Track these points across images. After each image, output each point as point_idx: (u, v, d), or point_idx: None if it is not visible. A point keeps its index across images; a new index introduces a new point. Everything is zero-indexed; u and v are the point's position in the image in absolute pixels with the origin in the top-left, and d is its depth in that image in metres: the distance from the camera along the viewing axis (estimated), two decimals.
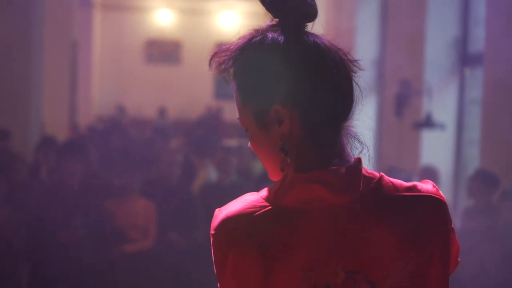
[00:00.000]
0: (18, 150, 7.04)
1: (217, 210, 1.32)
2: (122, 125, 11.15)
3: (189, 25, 16.45)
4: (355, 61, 1.34)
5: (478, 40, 7.15)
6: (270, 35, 1.31)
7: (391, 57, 8.45)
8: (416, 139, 7.57)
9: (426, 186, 1.34)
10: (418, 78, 7.49)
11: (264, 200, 1.28)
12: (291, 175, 1.28)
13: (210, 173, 6.05)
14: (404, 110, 7.74)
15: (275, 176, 1.35)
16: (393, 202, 1.29)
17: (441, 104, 7.34)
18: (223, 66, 1.33)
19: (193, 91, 15.99)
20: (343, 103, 1.32)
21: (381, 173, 1.33)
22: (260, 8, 1.36)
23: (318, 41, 1.31)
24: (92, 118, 14.54)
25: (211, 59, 1.35)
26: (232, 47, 1.33)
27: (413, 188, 1.32)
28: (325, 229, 1.25)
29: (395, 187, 1.31)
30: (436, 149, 7.47)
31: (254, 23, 1.39)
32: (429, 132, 7.32)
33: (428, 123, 7.12)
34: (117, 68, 16.30)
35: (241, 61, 1.31)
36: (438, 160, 7.20)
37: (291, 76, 1.27)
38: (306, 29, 1.33)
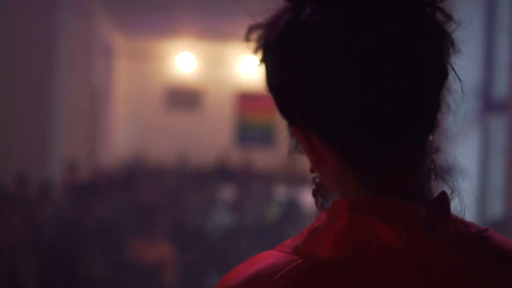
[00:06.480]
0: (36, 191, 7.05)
1: (222, 279, 0.90)
2: (138, 177, 10.96)
3: (210, 73, 16.52)
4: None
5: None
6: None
7: None
8: None
9: None
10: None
11: (289, 252, 0.86)
12: (336, 203, 0.87)
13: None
14: None
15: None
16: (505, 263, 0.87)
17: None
18: None
19: (213, 138, 15.97)
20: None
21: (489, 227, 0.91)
22: None
23: None
24: (112, 164, 14.55)
25: None
26: None
27: None
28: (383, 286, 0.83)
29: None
30: None
31: None
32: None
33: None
34: (138, 115, 16.36)
35: None
36: None
37: None
38: None
